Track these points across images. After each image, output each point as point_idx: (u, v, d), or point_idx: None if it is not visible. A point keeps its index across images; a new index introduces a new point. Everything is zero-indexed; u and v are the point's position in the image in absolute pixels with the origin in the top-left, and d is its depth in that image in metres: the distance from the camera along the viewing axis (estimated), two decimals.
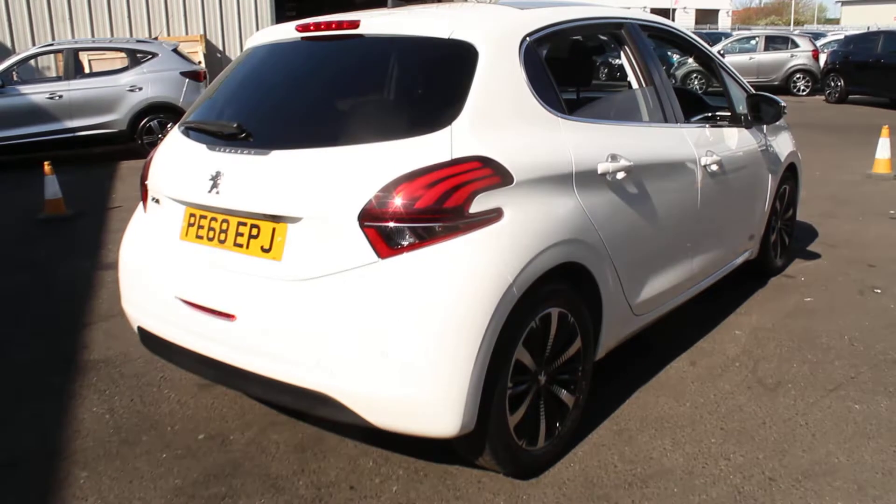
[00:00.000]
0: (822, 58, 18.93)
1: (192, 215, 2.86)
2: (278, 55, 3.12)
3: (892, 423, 3.11)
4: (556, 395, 2.83)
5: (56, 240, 6.58)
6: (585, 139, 2.86)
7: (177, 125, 3.25)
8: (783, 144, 4.73)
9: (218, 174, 2.68)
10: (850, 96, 16.85)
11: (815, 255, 5.42)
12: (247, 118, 2.86)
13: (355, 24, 2.82)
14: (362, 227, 2.38)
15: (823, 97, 17.64)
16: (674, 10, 68.41)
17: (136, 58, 11.09)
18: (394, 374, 2.33)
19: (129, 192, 8.58)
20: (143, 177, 3.20)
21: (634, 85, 3.43)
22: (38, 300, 4.97)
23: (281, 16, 17.69)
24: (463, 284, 2.35)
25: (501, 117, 2.58)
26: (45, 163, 7.47)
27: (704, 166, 3.63)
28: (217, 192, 2.67)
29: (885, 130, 8.28)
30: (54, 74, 13.15)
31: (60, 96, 10.54)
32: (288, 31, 3.10)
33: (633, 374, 3.58)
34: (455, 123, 2.47)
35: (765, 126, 4.38)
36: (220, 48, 16.48)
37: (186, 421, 3.28)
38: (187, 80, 11.21)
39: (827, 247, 5.63)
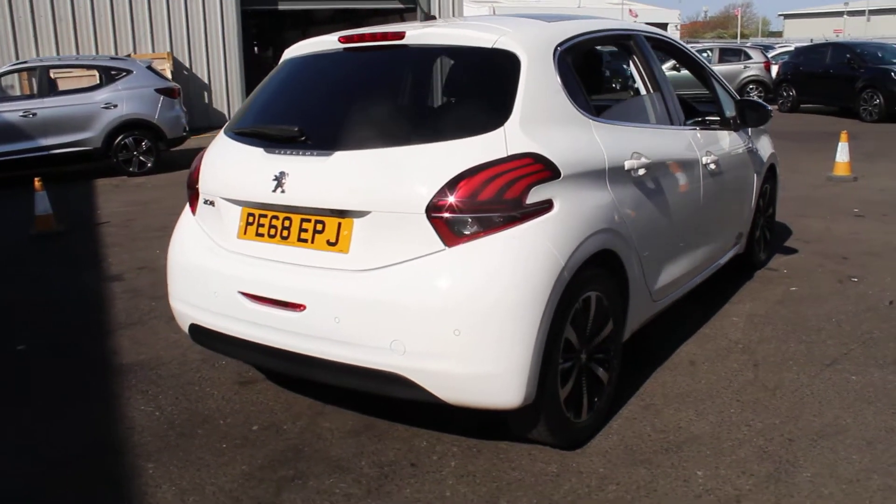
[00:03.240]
0: (774, 69, 19.77)
1: (250, 215, 3.06)
2: (322, 64, 3.35)
3: (886, 389, 3.45)
4: (594, 373, 3.09)
5: (53, 255, 6.63)
6: (613, 138, 3.15)
7: (222, 131, 3.45)
8: (765, 147, 5.11)
9: (282, 174, 2.89)
10: (802, 105, 17.65)
11: (793, 251, 5.81)
12: (304, 123, 3.08)
13: (401, 35, 3.07)
14: (430, 218, 2.62)
15: (776, 106, 18.42)
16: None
17: (110, 75, 11.10)
18: (466, 351, 2.57)
19: (114, 209, 8.64)
20: (192, 181, 3.38)
21: (643, 91, 3.75)
22: (50, 313, 5.05)
23: (246, 33, 17.81)
24: (524, 268, 2.61)
25: (544, 119, 2.85)
26: (36, 179, 7.51)
27: (705, 165, 3.95)
28: (282, 191, 2.88)
29: (843, 136, 8.81)
30: (18, 93, 13.03)
31: (34, 114, 10.51)
32: (328, 43, 3.32)
33: (648, 357, 3.87)
34: (507, 124, 2.74)
35: (749, 129, 4.74)
36: (188, 66, 16.50)
37: (236, 414, 3.45)
38: (162, 96, 11.27)
39: (802, 242, 6.04)
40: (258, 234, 3.03)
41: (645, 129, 3.56)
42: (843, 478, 2.77)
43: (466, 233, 2.61)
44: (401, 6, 19.78)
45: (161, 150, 11.34)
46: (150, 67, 11.66)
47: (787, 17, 78.53)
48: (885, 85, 14.53)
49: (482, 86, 2.98)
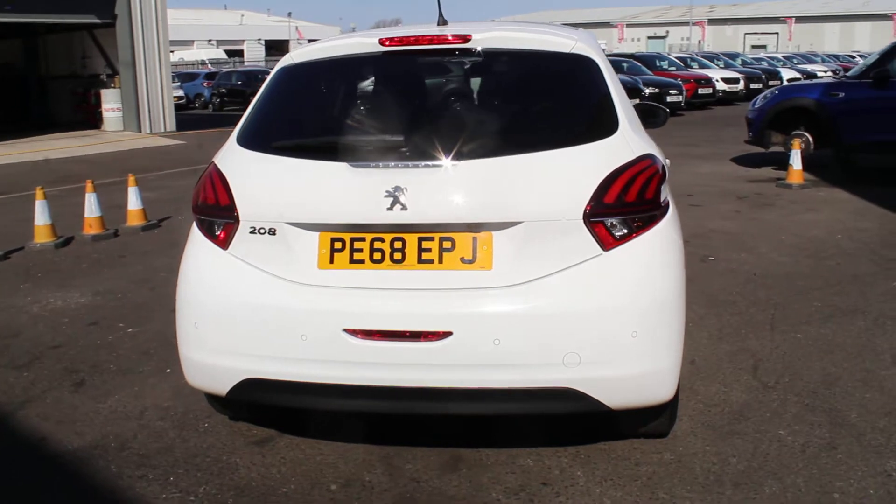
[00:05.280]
0: None
1: (336, 240, 2.72)
2: (362, 69, 3.10)
3: (830, 339, 4.18)
4: None
5: None
6: (655, 142, 3.37)
7: (239, 145, 2.99)
8: None
9: (397, 190, 2.63)
10: None
11: None
12: (389, 132, 2.83)
13: (467, 38, 2.91)
14: (587, 223, 2.61)
15: None
16: (289, 41, 70.59)
17: None
18: (641, 352, 2.61)
19: None
20: (219, 208, 2.87)
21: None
22: None
23: None
24: (676, 262, 2.74)
25: (633, 122, 2.97)
26: None
27: None
28: (402, 209, 2.62)
29: None
30: None
31: None
32: (358, 45, 3.03)
33: None
34: (621, 127, 2.81)
35: None
36: None
37: (296, 479, 3.02)
38: None
39: None
40: (354, 262, 2.71)
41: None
42: (877, 412, 3.33)
43: (618, 235, 2.65)
44: (96, 20, 17.89)
45: None
46: None
47: None
48: None
49: (579, 90, 2.97)
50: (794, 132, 9.58)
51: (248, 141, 3.00)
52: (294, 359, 2.74)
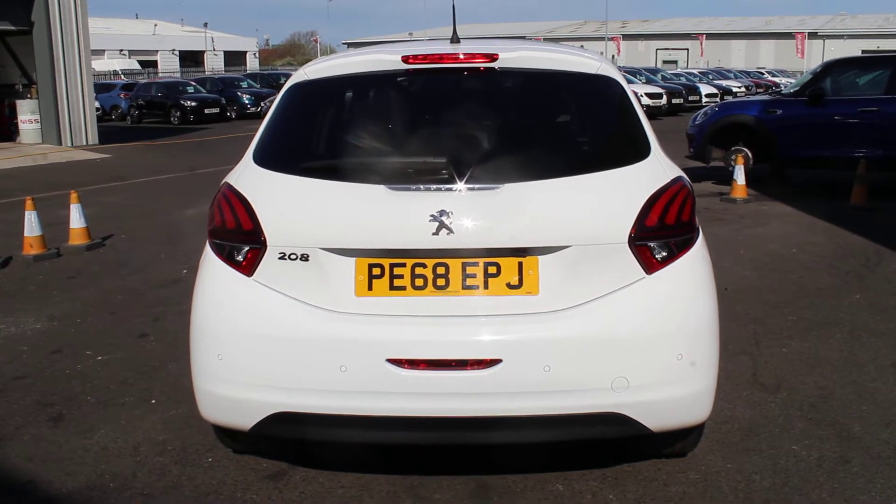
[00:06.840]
0: None
1: (374, 266, 2.65)
2: (386, 87, 2.99)
3: (813, 354, 4.34)
4: None
5: None
6: None
7: (257, 165, 2.86)
8: None
9: (442, 214, 2.57)
10: None
11: None
12: (430, 154, 2.79)
13: (493, 57, 2.85)
14: (632, 247, 2.62)
15: None
16: (204, 52, 69.11)
17: None
18: (684, 374, 2.64)
19: None
20: (243, 233, 2.73)
21: None
22: None
23: None
24: (711, 283, 2.79)
25: (659, 143, 2.99)
26: None
27: None
28: (448, 233, 2.56)
29: None
30: None
31: None
32: (380, 63, 2.94)
33: None
34: (653, 150, 2.83)
35: None
36: None
37: None
38: None
39: None
40: (394, 288, 2.63)
41: None
42: (877, 423, 3.47)
43: (660, 257, 2.67)
44: (10, 27, 17.01)
45: None
46: None
47: (350, 45, 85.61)
48: None
49: (608, 111, 2.97)
50: (733, 148, 9.95)
51: (268, 161, 2.88)
52: (332, 391, 2.64)
